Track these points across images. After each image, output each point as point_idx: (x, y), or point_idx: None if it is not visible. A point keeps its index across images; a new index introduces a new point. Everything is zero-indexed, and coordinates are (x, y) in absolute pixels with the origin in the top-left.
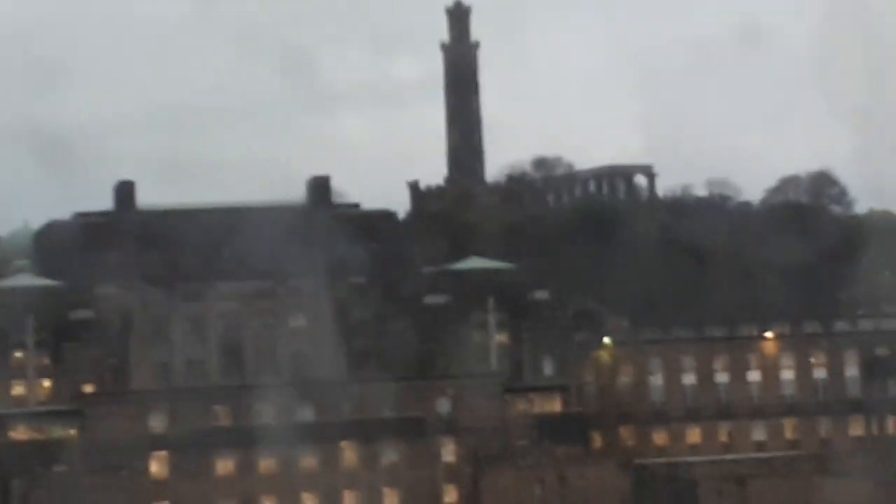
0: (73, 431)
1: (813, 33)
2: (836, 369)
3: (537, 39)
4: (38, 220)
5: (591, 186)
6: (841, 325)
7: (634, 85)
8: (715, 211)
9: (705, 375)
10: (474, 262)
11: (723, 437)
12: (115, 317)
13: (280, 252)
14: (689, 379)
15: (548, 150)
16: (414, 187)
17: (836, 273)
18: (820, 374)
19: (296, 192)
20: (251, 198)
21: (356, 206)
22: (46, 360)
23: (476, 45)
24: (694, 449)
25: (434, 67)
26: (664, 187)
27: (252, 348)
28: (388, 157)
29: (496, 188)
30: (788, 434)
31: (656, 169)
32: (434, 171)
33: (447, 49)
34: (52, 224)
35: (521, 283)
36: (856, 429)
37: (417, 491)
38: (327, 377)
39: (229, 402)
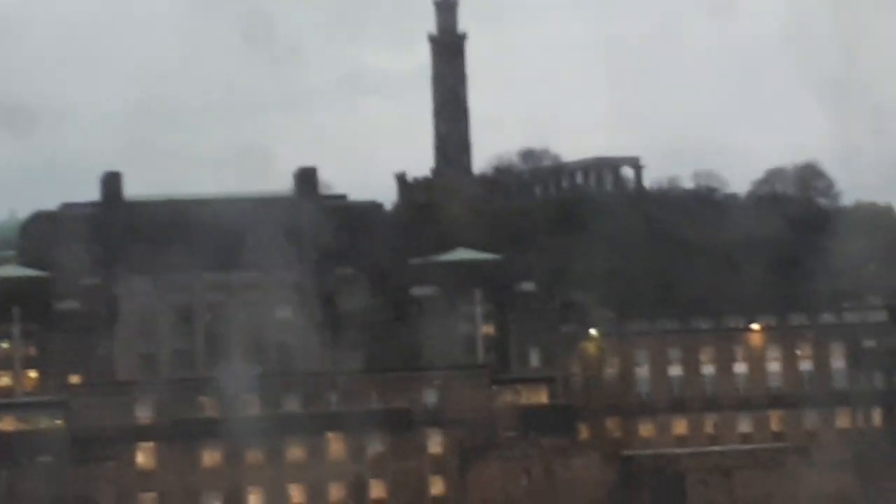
0: (59, 422)
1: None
2: (822, 361)
3: (525, 31)
4: (24, 211)
5: (578, 178)
6: (827, 317)
7: (621, 76)
8: (702, 203)
9: (691, 367)
10: (461, 254)
11: (709, 429)
12: (101, 308)
13: (267, 243)
14: (675, 370)
15: (535, 142)
16: (401, 179)
17: (822, 265)
18: (806, 365)
19: (283, 184)
20: (238, 189)
21: (343, 197)
22: (33, 351)
23: (463, 37)
24: (680, 440)
25: (421, 59)
26: (651, 179)
27: (238, 339)
28: (376, 149)
29: (483, 180)
30: (774, 426)
31: (643, 161)
32: (421, 162)
33: (435, 40)
34: (38, 215)
35: (508, 274)
36: (842, 421)
37: (404, 482)
38: (314, 368)
39: (215, 394)
